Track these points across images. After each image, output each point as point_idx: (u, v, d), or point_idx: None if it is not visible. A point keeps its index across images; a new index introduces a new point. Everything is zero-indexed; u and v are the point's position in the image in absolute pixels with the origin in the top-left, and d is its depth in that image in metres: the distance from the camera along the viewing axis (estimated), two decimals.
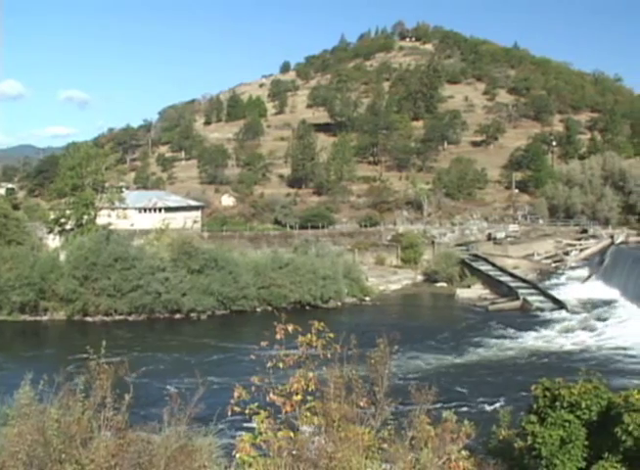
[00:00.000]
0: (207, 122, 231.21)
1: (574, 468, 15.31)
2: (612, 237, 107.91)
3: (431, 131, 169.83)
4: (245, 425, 14.06)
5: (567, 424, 15.60)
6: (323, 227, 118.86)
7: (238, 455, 11.46)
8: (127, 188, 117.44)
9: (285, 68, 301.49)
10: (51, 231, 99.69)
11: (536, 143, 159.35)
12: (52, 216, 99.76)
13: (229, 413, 12.11)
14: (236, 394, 12.01)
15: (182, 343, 66.93)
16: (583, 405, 15.73)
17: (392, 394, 13.21)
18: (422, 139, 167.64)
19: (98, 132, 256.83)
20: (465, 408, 42.61)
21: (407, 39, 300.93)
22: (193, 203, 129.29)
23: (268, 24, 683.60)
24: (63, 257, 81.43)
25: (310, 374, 12.29)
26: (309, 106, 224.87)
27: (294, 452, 11.65)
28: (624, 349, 61.36)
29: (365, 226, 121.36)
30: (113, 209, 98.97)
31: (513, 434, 18.43)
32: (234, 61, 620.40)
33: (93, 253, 77.97)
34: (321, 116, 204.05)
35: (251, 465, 11.32)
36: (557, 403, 15.97)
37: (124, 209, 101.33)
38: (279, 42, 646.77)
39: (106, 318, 76.62)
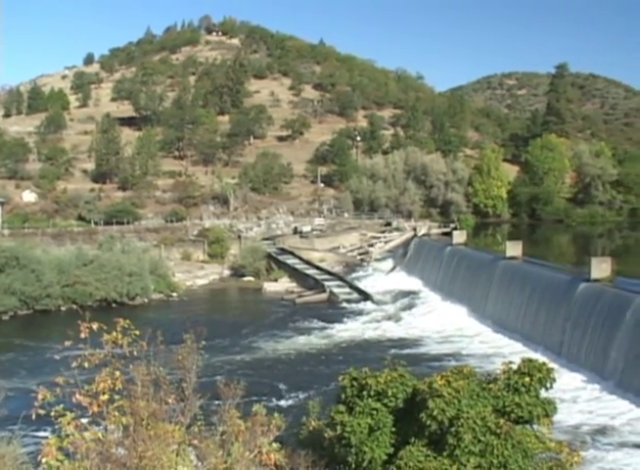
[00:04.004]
0: (7, 115, 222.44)
1: (383, 454, 15.75)
2: (414, 229, 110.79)
3: (236, 126, 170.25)
4: (51, 428, 13.70)
5: (374, 412, 16.03)
6: (128, 223, 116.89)
7: (44, 460, 11.15)
8: None
9: (88, 59, 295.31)
10: None
11: (341, 138, 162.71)
12: None
13: (34, 417, 11.73)
14: (40, 396, 11.65)
15: None
16: (390, 393, 16.20)
17: (201, 389, 13.19)
18: (228, 134, 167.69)
19: None
20: (275, 401, 43.00)
21: (214, 33, 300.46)
22: None
23: (71, 14, 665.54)
24: None
25: (117, 373, 12.10)
26: (114, 99, 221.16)
27: (102, 453, 11.43)
28: (428, 336, 63.36)
29: (171, 221, 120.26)
30: None
31: (323, 424, 18.80)
32: (34, 51, 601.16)
33: None
34: (126, 109, 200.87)
35: (58, 469, 11.04)
36: (364, 393, 16.38)
37: None
38: (82, 33, 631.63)
39: None
